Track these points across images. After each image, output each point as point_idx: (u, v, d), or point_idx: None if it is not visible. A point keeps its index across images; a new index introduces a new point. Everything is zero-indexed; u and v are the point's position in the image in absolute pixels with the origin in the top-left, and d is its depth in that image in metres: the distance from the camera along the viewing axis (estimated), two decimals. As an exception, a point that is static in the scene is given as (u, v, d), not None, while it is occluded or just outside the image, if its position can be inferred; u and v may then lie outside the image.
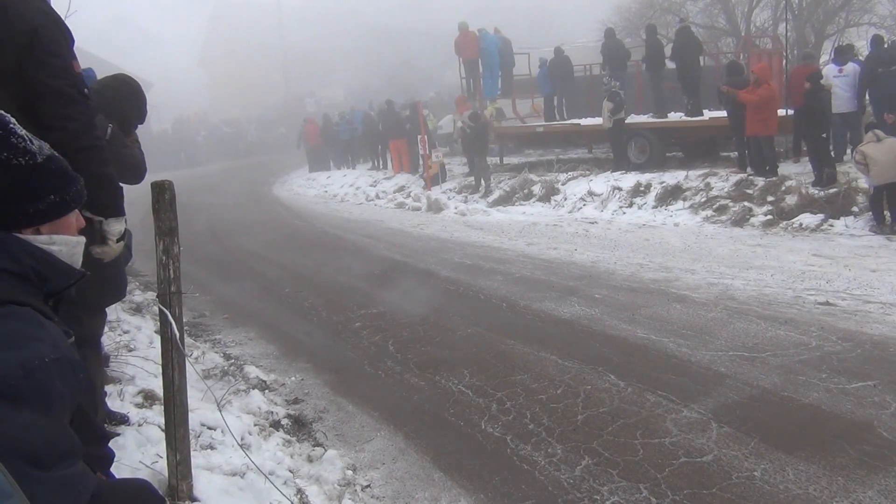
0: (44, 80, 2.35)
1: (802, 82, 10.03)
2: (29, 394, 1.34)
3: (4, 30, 2.31)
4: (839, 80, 10.38)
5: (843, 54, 10.98)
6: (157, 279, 2.64)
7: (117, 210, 2.64)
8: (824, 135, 9.80)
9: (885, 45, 10.73)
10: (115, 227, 2.64)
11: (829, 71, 10.64)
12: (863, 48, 16.40)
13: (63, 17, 2.64)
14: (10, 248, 1.48)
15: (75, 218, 1.64)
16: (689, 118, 12.47)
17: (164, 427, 3.22)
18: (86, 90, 2.51)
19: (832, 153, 10.12)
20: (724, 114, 11.44)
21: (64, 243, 1.56)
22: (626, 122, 12.84)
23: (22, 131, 1.55)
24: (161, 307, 2.58)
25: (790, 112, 10.88)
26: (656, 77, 13.10)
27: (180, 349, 2.60)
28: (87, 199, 2.27)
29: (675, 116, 12.92)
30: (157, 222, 2.59)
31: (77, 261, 1.61)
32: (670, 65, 13.04)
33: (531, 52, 16.46)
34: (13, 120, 1.55)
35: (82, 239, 1.65)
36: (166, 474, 2.80)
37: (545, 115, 16.10)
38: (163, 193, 2.57)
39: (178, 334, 2.55)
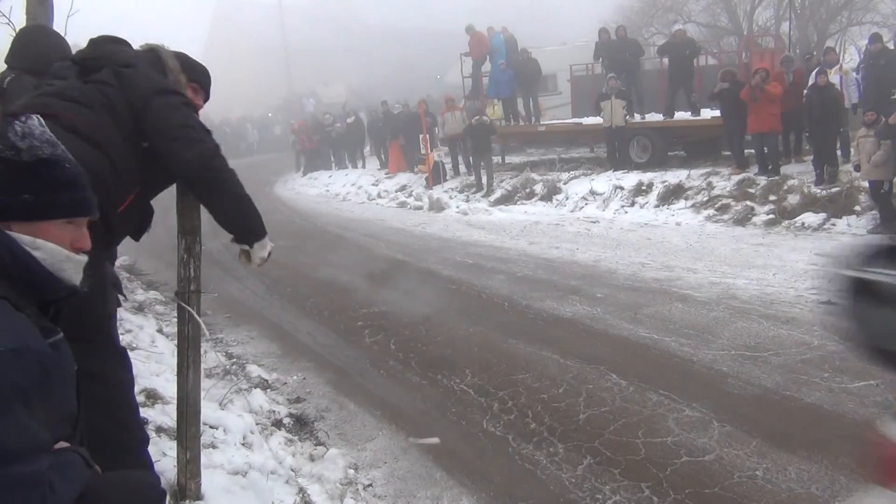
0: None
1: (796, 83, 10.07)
2: None
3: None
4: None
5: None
6: (178, 277, 2.67)
7: (261, 233, 2.56)
8: (841, 130, 9.80)
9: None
10: (261, 254, 2.58)
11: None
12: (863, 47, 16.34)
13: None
14: None
15: (71, 234, 1.62)
16: (693, 117, 12.48)
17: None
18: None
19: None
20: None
21: (49, 253, 1.55)
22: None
23: (22, 130, 1.55)
24: (182, 304, 2.60)
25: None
26: (631, 77, 13.12)
27: (197, 348, 2.61)
28: (229, 223, 2.51)
29: (658, 117, 12.98)
30: (181, 221, 2.61)
31: (68, 276, 1.59)
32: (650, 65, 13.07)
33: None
34: (35, 119, 1.58)
35: (80, 259, 1.63)
36: (169, 474, 2.80)
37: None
38: (187, 194, 2.59)
39: (203, 331, 2.55)
